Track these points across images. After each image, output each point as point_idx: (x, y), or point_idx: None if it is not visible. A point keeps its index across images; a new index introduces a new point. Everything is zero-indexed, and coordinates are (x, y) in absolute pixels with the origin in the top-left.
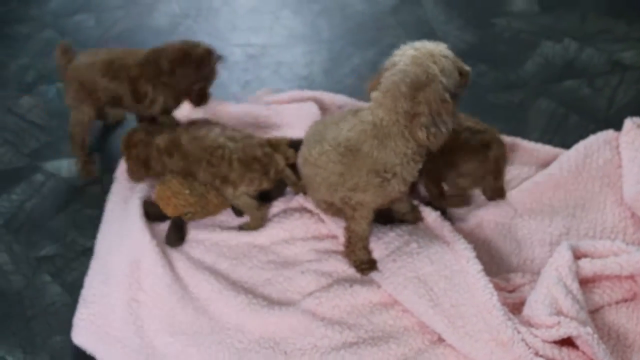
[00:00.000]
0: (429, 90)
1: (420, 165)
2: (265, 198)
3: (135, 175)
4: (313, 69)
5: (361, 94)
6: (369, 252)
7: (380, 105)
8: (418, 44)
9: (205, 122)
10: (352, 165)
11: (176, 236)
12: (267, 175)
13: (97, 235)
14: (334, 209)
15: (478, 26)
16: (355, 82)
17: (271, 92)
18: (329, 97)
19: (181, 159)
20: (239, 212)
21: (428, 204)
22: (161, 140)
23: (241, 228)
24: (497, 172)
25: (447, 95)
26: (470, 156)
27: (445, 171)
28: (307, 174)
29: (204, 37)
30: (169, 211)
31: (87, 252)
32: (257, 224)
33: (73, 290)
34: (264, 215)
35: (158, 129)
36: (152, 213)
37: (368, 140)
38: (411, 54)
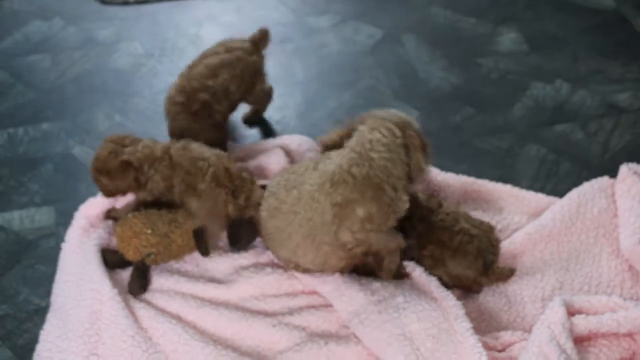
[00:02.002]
0: (414, 129)
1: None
2: (234, 241)
3: (116, 183)
4: (287, 113)
5: None
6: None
7: (379, 127)
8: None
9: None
10: (353, 190)
11: (139, 283)
12: (235, 199)
13: (53, 285)
14: (301, 270)
15: (463, 67)
16: (331, 126)
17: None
18: (295, 142)
19: (168, 174)
20: (205, 251)
21: (411, 258)
22: (159, 150)
23: (206, 255)
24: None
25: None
26: (462, 261)
27: (432, 262)
28: (276, 226)
29: (168, 78)
30: (129, 254)
31: (41, 312)
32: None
33: (25, 354)
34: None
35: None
36: (111, 260)
37: (376, 154)
38: (389, 110)
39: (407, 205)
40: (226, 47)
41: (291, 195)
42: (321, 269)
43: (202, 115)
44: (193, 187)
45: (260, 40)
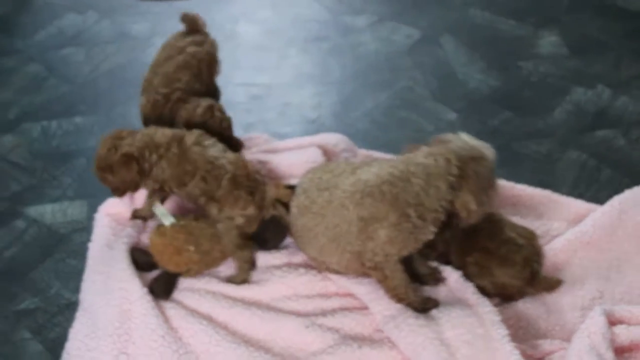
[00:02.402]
0: (479, 165)
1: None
2: (261, 242)
3: (121, 178)
4: (322, 112)
5: (373, 140)
6: (417, 293)
7: (437, 156)
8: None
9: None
10: (378, 207)
11: (165, 289)
12: (253, 198)
13: (82, 284)
14: (330, 270)
15: (502, 69)
16: (367, 127)
17: (266, 138)
18: (331, 140)
19: (178, 163)
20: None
21: (448, 262)
22: (162, 136)
23: (229, 281)
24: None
25: (494, 178)
26: (509, 270)
27: (478, 270)
28: (304, 224)
29: None
30: (169, 267)
31: (72, 306)
32: (243, 276)
33: (55, 348)
34: (248, 258)
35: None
36: (140, 261)
37: (414, 180)
38: (463, 137)
39: (430, 237)
40: (175, 48)
41: (322, 196)
42: (346, 272)
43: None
44: (211, 195)
45: (196, 25)
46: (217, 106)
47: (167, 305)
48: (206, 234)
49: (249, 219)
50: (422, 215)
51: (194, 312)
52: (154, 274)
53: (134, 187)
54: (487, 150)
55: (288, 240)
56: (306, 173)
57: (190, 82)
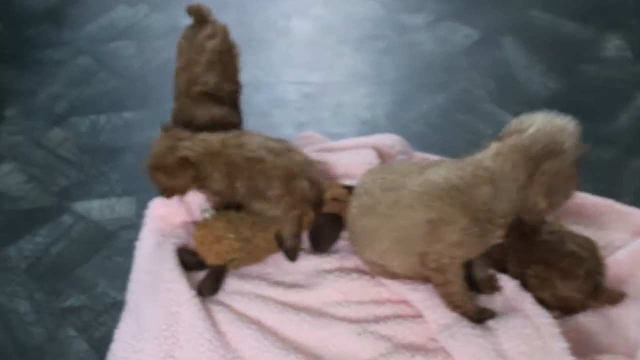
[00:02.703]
0: (558, 162)
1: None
2: (315, 242)
3: (175, 182)
4: (376, 113)
5: (429, 143)
6: (473, 302)
7: (505, 157)
8: (547, 116)
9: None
10: (447, 211)
11: (211, 285)
12: (309, 193)
13: (129, 284)
14: (386, 274)
15: (564, 73)
16: (422, 129)
17: (320, 138)
18: (387, 142)
19: (225, 165)
20: (292, 254)
21: (504, 270)
22: (216, 143)
23: (277, 237)
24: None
25: (572, 171)
26: (572, 283)
27: (539, 282)
28: (365, 226)
29: (254, 71)
30: (210, 259)
31: (118, 305)
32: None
33: (101, 347)
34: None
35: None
36: (188, 262)
37: (482, 186)
38: (543, 122)
39: (498, 241)
40: (195, 48)
41: (387, 197)
42: (407, 275)
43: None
44: (258, 193)
45: (203, 15)
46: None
47: (215, 309)
48: (246, 222)
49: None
50: (491, 219)
51: (242, 317)
52: (202, 274)
53: (183, 192)
54: (568, 135)
55: (340, 244)
56: (367, 173)
57: (219, 82)
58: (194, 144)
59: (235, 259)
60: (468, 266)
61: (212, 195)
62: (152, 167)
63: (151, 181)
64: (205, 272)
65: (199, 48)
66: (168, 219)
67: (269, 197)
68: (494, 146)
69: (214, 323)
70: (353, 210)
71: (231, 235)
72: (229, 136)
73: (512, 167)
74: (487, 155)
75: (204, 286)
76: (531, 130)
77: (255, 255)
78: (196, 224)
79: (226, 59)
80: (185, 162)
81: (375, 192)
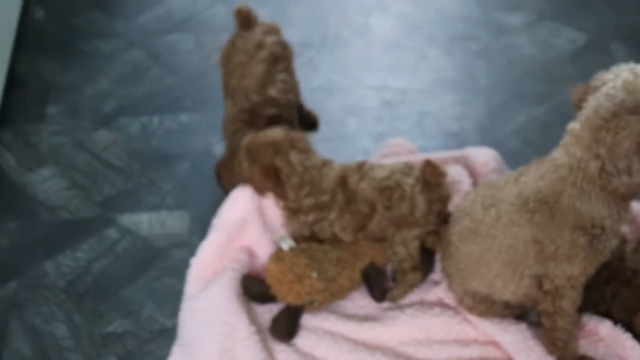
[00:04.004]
0: (636, 122)
1: (625, 216)
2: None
3: (259, 183)
4: (466, 124)
5: (525, 161)
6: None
7: (577, 141)
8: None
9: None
10: (549, 225)
11: (288, 329)
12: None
13: (180, 313)
14: (483, 307)
15: None
16: (519, 146)
17: (410, 147)
18: (479, 158)
19: (348, 208)
20: (380, 295)
21: (597, 311)
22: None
23: (383, 298)
24: None
25: None
26: None
27: None
28: (471, 253)
29: (328, 73)
30: (288, 299)
31: (166, 333)
32: (404, 291)
33: None
34: (416, 280)
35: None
36: (254, 292)
37: (566, 190)
38: (625, 77)
39: (614, 245)
40: (252, 41)
41: (489, 215)
42: (522, 302)
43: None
44: (403, 222)
45: (250, 21)
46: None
47: (277, 348)
48: (331, 259)
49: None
50: (594, 223)
51: (308, 357)
52: (266, 308)
53: (262, 191)
54: None
55: None
56: (466, 195)
57: (286, 87)
58: (299, 169)
59: (316, 301)
60: None
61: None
62: (247, 149)
63: (237, 172)
64: (270, 307)
65: (258, 43)
66: (233, 234)
67: (410, 222)
68: (570, 127)
69: None
70: (453, 238)
71: (314, 275)
72: (349, 170)
73: (585, 149)
74: (565, 145)
75: (279, 330)
76: (606, 87)
77: (337, 296)
78: (270, 255)
79: (290, 60)
80: (275, 171)
81: (476, 212)
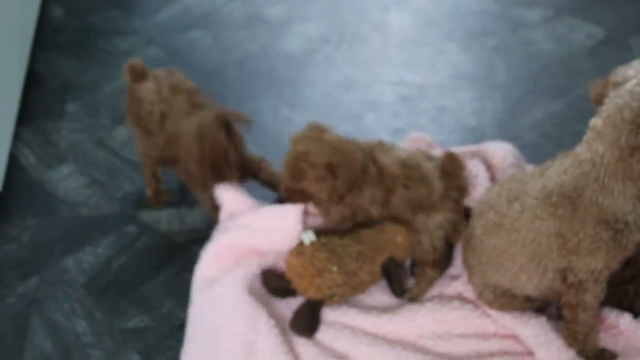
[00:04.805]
0: None
1: None
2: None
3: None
4: (483, 120)
5: (544, 156)
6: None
7: (600, 137)
8: None
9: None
10: (572, 219)
11: (308, 324)
12: (462, 194)
13: (190, 309)
14: (503, 300)
15: None
16: (537, 140)
17: (429, 141)
18: (497, 153)
19: (378, 182)
20: (399, 290)
21: (620, 306)
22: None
23: (402, 293)
24: None
25: None
26: None
27: None
28: (495, 246)
29: (345, 68)
30: (309, 293)
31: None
32: (424, 288)
33: None
34: (435, 276)
35: None
36: (274, 286)
37: (589, 185)
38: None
39: (638, 239)
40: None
41: (513, 208)
42: (544, 296)
43: None
44: (419, 205)
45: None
46: None
47: (298, 342)
48: (351, 252)
49: (454, 223)
50: (617, 218)
51: (328, 350)
52: (284, 302)
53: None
54: None
55: None
56: (491, 188)
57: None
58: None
59: (336, 295)
60: None
61: (330, 212)
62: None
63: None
64: (288, 300)
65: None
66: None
67: (433, 204)
68: (592, 123)
69: (295, 357)
70: (477, 231)
71: (334, 268)
72: (373, 145)
73: (608, 145)
74: (587, 141)
75: (300, 325)
76: (630, 83)
77: (358, 290)
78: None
79: None
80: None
81: (501, 205)
